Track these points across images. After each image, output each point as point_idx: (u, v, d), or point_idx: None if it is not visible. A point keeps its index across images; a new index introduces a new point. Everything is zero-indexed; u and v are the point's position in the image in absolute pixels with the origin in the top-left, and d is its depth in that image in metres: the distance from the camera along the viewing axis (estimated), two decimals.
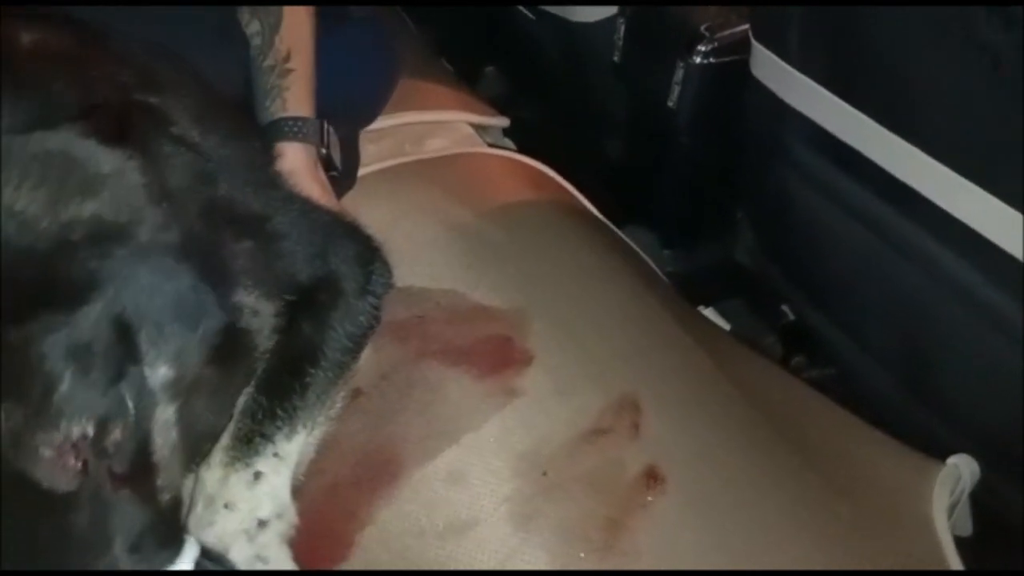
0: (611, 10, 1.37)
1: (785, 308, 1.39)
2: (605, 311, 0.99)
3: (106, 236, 0.50)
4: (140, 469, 0.54)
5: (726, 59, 1.24)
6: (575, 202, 1.26)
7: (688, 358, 0.95)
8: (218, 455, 0.70)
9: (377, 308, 0.88)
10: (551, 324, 0.94)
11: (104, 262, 0.51)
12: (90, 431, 0.49)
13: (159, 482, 0.56)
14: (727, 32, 1.25)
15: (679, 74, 1.25)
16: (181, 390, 0.57)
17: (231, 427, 0.71)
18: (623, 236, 1.26)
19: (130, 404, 0.53)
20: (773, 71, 1.11)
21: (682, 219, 1.46)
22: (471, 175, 1.22)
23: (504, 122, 1.44)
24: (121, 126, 0.53)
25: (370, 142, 1.22)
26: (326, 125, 0.97)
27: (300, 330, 0.79)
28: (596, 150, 1.53)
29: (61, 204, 0.49)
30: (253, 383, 0.74)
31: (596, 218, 1.26)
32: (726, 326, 1.36)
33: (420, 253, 1.03)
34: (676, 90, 1.27)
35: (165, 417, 0.57)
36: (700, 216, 1.46)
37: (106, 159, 0.50)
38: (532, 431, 0.81)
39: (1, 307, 0.46)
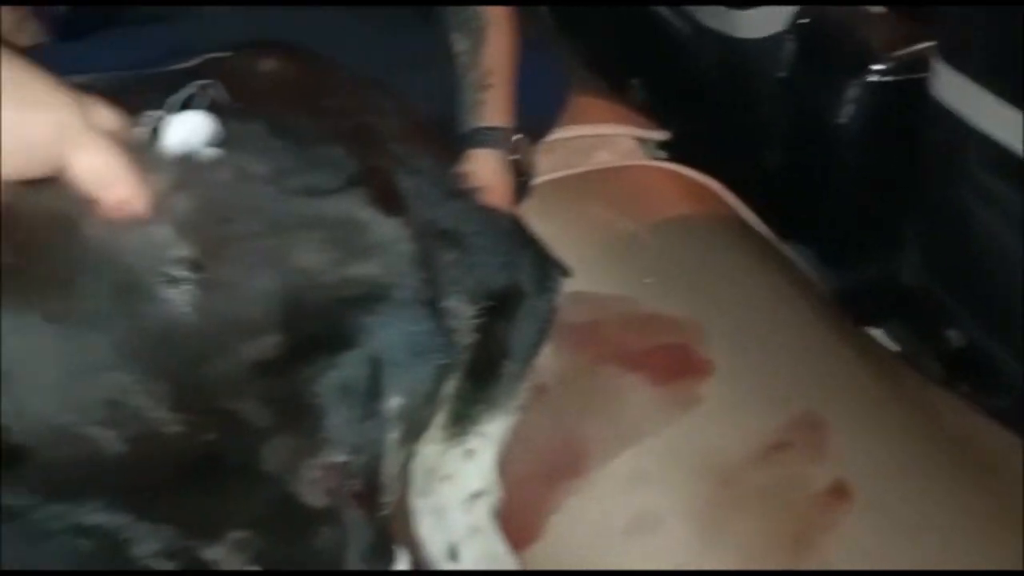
0: (779, 25, 1.37)
1: (951, 333, 1.35)
2: (779, 325, 1.00)
3: (375, 297, 0.56)
4: (371, 489, 0.61)
5: (903, 77, 1.23)
6: (740, 216, 1.28)
7: (866, 377, 0.94)
8: (436, 432, 0.76)
9: (554, 306, 0.94)
10: (727, 336, 0.95)
11: (371, 317, 0.57)
12: (343, 458, 0.56)
13: (384, 499, 0.63)
14: (905, 51, 1.24)
15: (852, 92, 1.24)
16: (408, 414, 0.64)
17: (444, 409, 0.77)
18: (787, 251, 1.27)
19: (373, 436, 0.59)
20: (956, 90, 1.09)
21: (845, 236, 1.44)
22: (638, 187, 1.25)
23: (665, 135, 1.47)
24: (394, 195, 0.58)
25: (541, 154, 1.28)
26: (517, 134, 1.04)
27: (497, 326, 0.84)
28: (753, 165, 1.53)
29: (342, 265, 0.55)
30: (460, 372, 0.80)
31: (759, 233, 1.27)
32: (894, 348, 1.33)
33: (591, 261, 1.07)
34: (847, 108, 1.26)
35: (393, 438, 0.63)
36: (863, 234, 1.44)
37: (384, 228, 0.57)
38: (714, 440, 0.83)
39: (288, 352, 0.52)
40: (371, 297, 0.56)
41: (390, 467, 0.63)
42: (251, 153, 0.61)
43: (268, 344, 0.52)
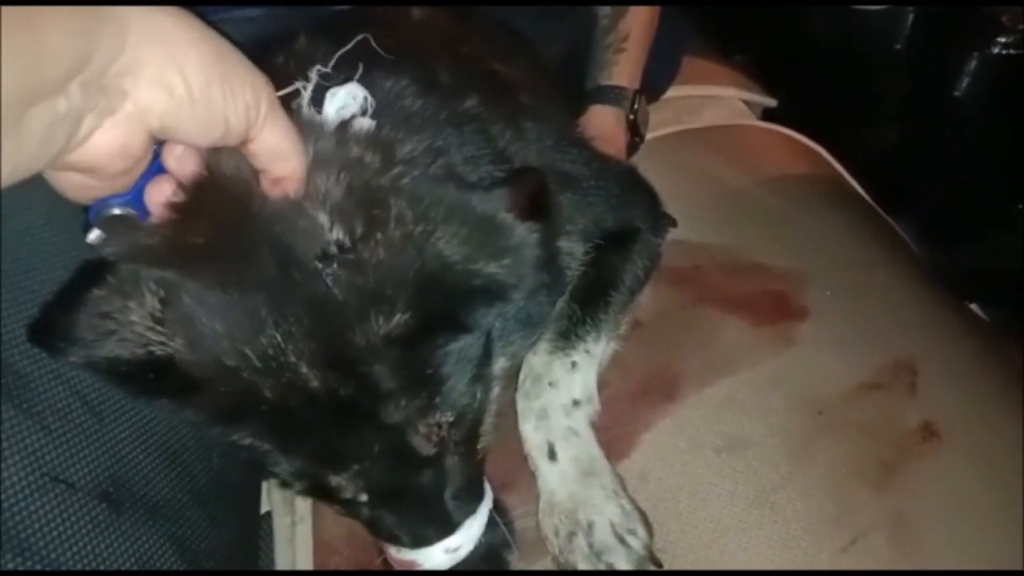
0: None
1: None
2: (879, 280, 1.02)
3: (496, 294, 0.61)
4: (471, 438, 0.69)
5: None
6: (845, 183, 1.29)
7: (961, 333, 0.97)
8: (544, 344, 0.83)
9: (660, 247, 0.99)
10: (827, 285, 0.99)
11: (491, 309, 0.64)
12: (451, 418, 0.64)
13: (480, 445, 0.71)
14: None
15: (972, 64, 1.24)
16: (511, 371, 0.71)
17: (553, 325, 0.83)
18: (891, 221, 1.27)
19: (479, 395, 0.67)
20: None
21: (949, 213, 1.43)
22: (745, 145, 1.28)
23: (772, 102, 1.49)
24: (535, 204, 0.62)
25: (652, 111, 1.31)
26: (639, 96, 1.10)
27: (607, 259, 0.90)
28: (863, 137, 1.53)
29: (473, 259, 0.60)
30: (568, 294, 0.87)
31: (865, 199, 1.28)
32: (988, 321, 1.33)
33: (697, 211, 1.11)
34: (966, 80, 1.25)
35: (495, 394, 0.70)
36: (968, 211, 1.43)
37: (517, 233, 0.60)
38: (809, 376, 0.87)
39: (416, 329, 0.59)
40: (493, 294, 0.61)
41: (489, 420, 0.70)
42: (403, 129, 0.67)
43: (400, 320, 0.58)
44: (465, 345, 0.64)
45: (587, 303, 0.87)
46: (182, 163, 0.58)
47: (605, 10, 1.11)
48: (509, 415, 0.81)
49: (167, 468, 0.68)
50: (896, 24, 1.37)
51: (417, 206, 0.60)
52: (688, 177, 1.17)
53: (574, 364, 0.83)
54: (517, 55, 0.98)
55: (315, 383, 0.58)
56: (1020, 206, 1.33)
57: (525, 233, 0.61)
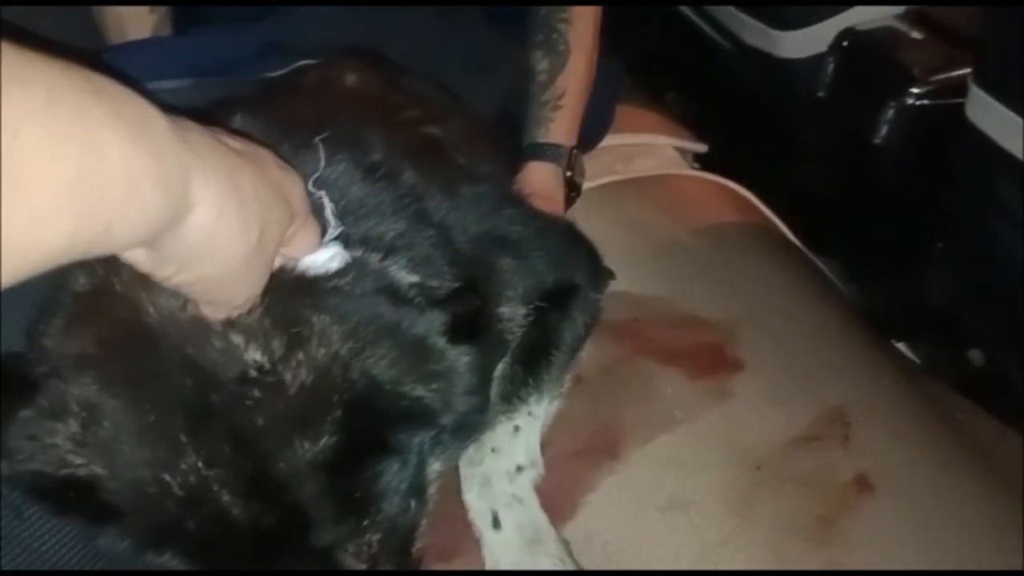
0: (821, 47, 1.43)
1: (973, 353, 1.39)
2: (809, 329, 1.05)
3: (421, 420, 0.60)
4: (405, 545, 0.65)
5: (940, 102, 1.27)
6: (774, 227, 1.33)
7: (892, 379, 1.00)
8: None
9: (600, 303, 1.00)
10: (760, 336, 1.01)
11: (420, 433, 0.62)
12: (385, 533, 0.61)
13: (415, 547, 0.67)
14: (942, 76, 1.29)
15: (889, 114, 1.29)
16: (446, 472, 0.69)
17: (495, 388, 0.83)
18: (819, 263, 1.32)
19: (412, 506, 0.64)
20: (992, 116, 1.13)
21: (875, 253, 1.49)
22: (678, 195, 1.31)
23: (703, 148, 1.53)
24: (473, 329, 0.61)
25: (586, 160, 1.33)
26: (575, 151, 1.11)
27: (548, 319, 0.91)
28: (789, 179, 1.58)
29: (402, 382, 0.58)
30: (509, 355, 0.87)
31: (794, 244, 1.32)
32: (916, 361, 1.38)
33: (633, 263, 1.13)
34: (884, 128, 1.31)
35: (430, 494, 0.67)
36: (893, 252, 1.48)
37: (448, 356, 0.59)
38: (746, 430, 0.89)
39: (344, 452, 0.56)
40: (417, 420, 0.60)
41: (424, 522, 0.67)
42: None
43: (326, 445, 0.56)
44: (394, 464, 0.62)
45: (529, 364, 0.87)
46: None
47: (543, 65, 1.11)
48: (452, 479, 0.80)
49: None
50: (818, 73, 1.43)
51: (344, 323, 0.58)
52: (624, 228, 1.19)
53: (517, 428, 0.83)
54: (451, 115, 0.98)
55: (238, 511, 0.56)
56: (939, 245, 1.39)
57: (456, 357, 0.60)
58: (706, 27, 1.76)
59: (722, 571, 0.80)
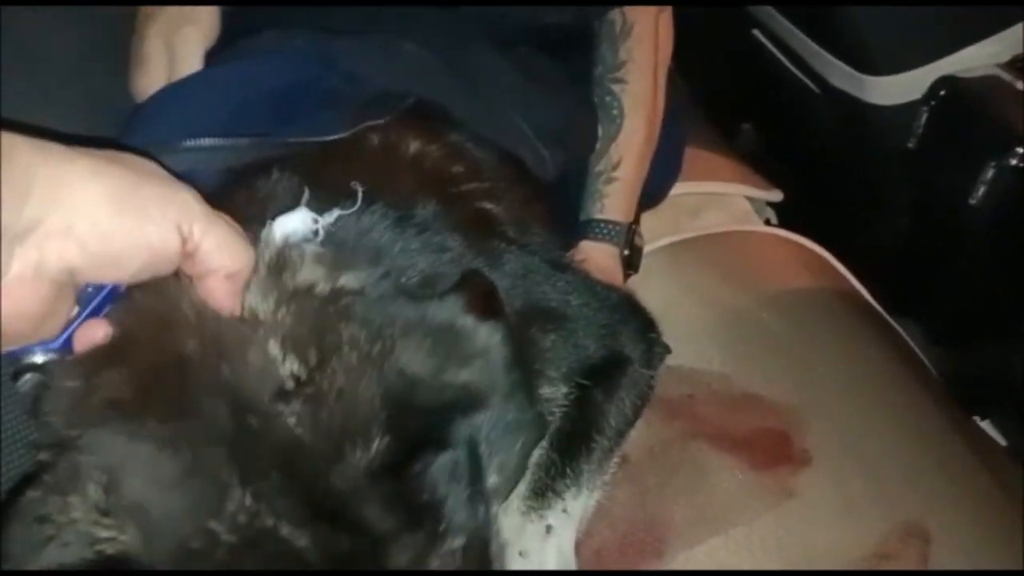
0: (915, 95, 1.31)
1: None
2: (887, 419, 0.95)
3: (470, 404, 0.57)
4: (483, 563, 0.60)
5: None
6: (851, 290, 1.22)
7: (976, 482, 0.89)
8: (516, 503, 0.75)
9: (654, 379, 0.91)
10: (830, 427, 0.91)
11: (469, 418, 0.57)
12: (464, 541, 0.56)
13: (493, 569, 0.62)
14: None
15: (989, 173, 1.18)
16: (502, 490, 0.63)
17: (528, 478, 0.76)
18: (900, 330, 1.20)
19: (482, 514, 0.59)
20: None
21: (961, 318, 1.37)
22: (747, 255, 1.21)
23: (778, 196, 1.43)
24: (489, 303, 0.59)
25: (650, 214, 1.25)
26: (633, 227, 1.04)
27: (592, 399, 0.83)
28: (870, 234, 1.47)
29: (442, 370, 0.56)
30: (547, 440, 0.79)
31: (873, 308, 1.21)
32: (1002, 442, 1.25)
33: (693, 334, 1.04)
34: (981, 189, 1.19)
35: (494, 514, 0.62)
36: (981, 318, 1.36)
37: (481, 335, 0.57)
38: (810, 541, 0.80)
39: (398, 452, 0.53)
40: (468, 404, 0.57)
41: (496, 543, 0.63)
42: (361, 257, 0.64)
43: (380, 447, 0.53)
44: (452, 461, 0.57)
45: (567, 451, 0.79)
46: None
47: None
48: None
49: None
50: (909, 123, 1.31)
51: (369, 327, 0.56)
52: (684, 294, 1.10)
53: (549, 528, 0.75)
54: (510, 188, 0.91)
55: (303, 542, 0.50)
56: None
57: (489, 334, 0.58)
58: (785, 60, 1.66)
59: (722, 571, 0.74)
